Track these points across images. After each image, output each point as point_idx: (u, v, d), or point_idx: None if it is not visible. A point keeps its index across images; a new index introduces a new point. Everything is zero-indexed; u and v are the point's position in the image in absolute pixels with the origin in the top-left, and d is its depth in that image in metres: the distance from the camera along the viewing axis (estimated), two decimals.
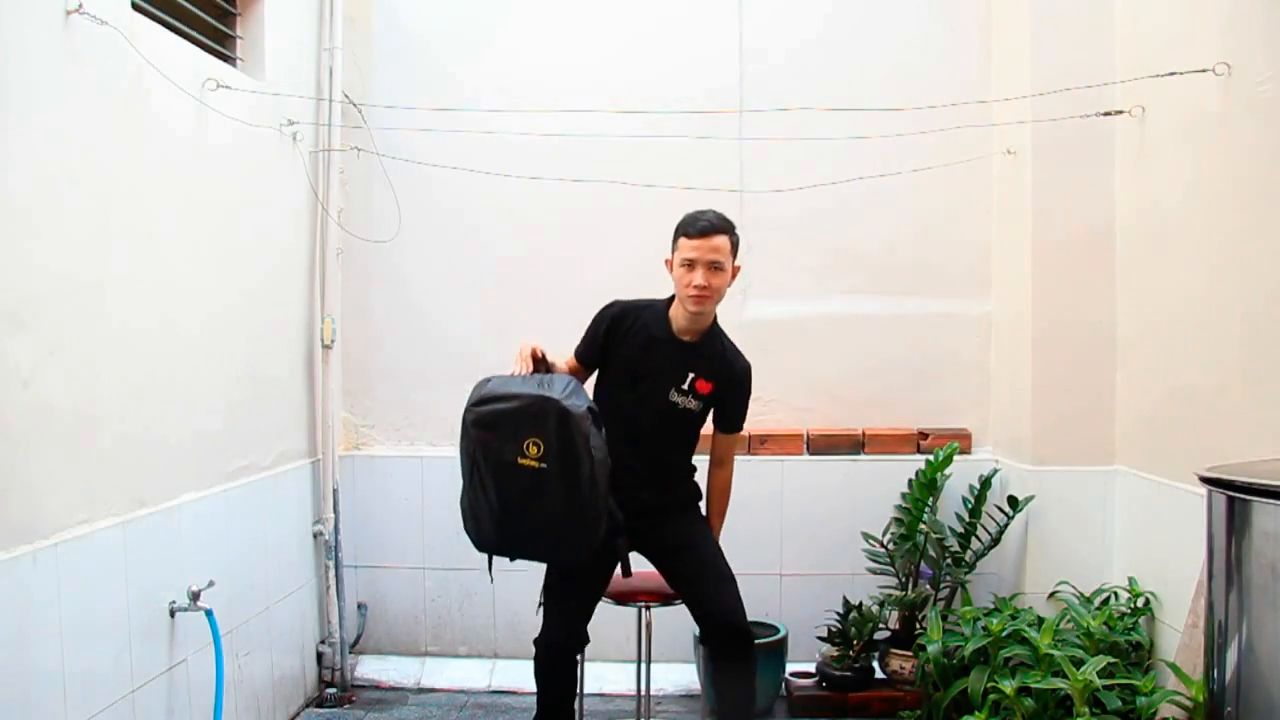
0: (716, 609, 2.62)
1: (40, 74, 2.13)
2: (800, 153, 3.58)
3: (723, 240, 2.59)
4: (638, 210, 3.62)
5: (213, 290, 2.87)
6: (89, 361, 2.29)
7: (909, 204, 3.66)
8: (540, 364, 2.54)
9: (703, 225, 2.59)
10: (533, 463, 2.35)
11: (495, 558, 2.60)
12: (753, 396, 3.63)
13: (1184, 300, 2.83)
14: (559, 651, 2.67)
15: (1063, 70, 3.17)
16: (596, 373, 2.76)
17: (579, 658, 2.69)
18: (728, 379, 2.72)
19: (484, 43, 3.77)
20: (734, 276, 2.66)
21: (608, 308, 2.74)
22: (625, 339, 2.69)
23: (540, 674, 2.69)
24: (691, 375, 2.68)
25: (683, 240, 2.61)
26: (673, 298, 2.71)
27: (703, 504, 2.84)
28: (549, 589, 2.71)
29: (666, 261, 2.67)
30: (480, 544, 2.53)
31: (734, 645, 2.63)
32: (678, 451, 2.78)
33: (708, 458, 2.86)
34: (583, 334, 2.76)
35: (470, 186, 3.67)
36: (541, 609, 2.69)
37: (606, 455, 2.42)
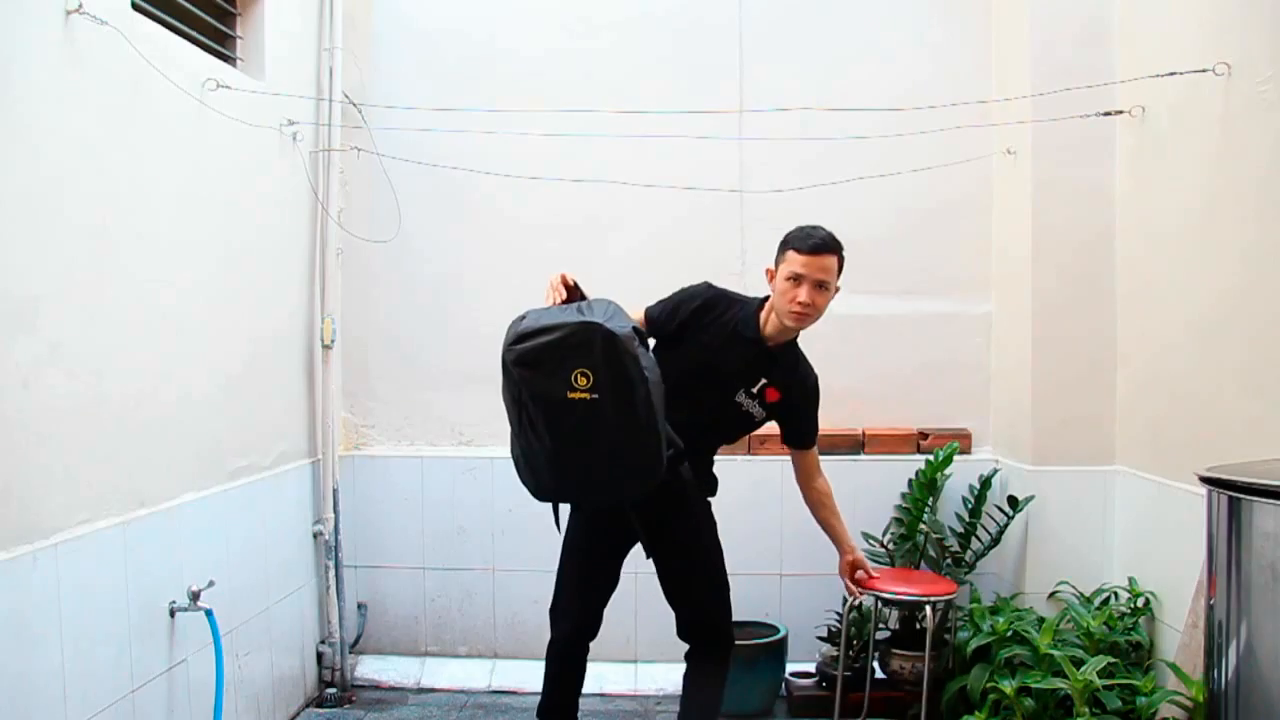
0: (705, 617, 2.70)
1: (40, 74, 2.13)
2: (800, 153, 3.58)
3: (832, 260, 2.53)
4: (638, 210, 3.62)
5: (212, 290, 2.87)
6: (89, 361, 2.29)
7: (909, 204, 3.66)
8: (574, 292, 2.45)
9: (815, 242, 2.51)
10: (584, 394, 2.21)
11: (557, 507, 2.50)
12: None
13: (1184, 300, 2.83)
14: (565, 643, 2.70)
15: (1063, 70, 3.17)
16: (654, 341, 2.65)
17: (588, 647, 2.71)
18: (799, 393, 2.68)
19: (484, 42, 3.77)
20: (834, 295, 2.60)
21: (703, 288, 2.65)
22: (709, 326, 2.60)
23: (548, 661, 2.74)
24: (764, 381, 2.62)
25: (791, 254, 2.52)
26: (764, 300, 2.65)
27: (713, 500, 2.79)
28: (563, 575, 2.69)
29: (768, 271, 2.61)
30: (538, 492, 2.40)
31: (714, 646, 2.70)
32: (715, 449, 2.75)
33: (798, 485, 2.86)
34: (664, 299, 2.66)
35: (470, 186, 3.68)
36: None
37: (659, 375, 2.32)
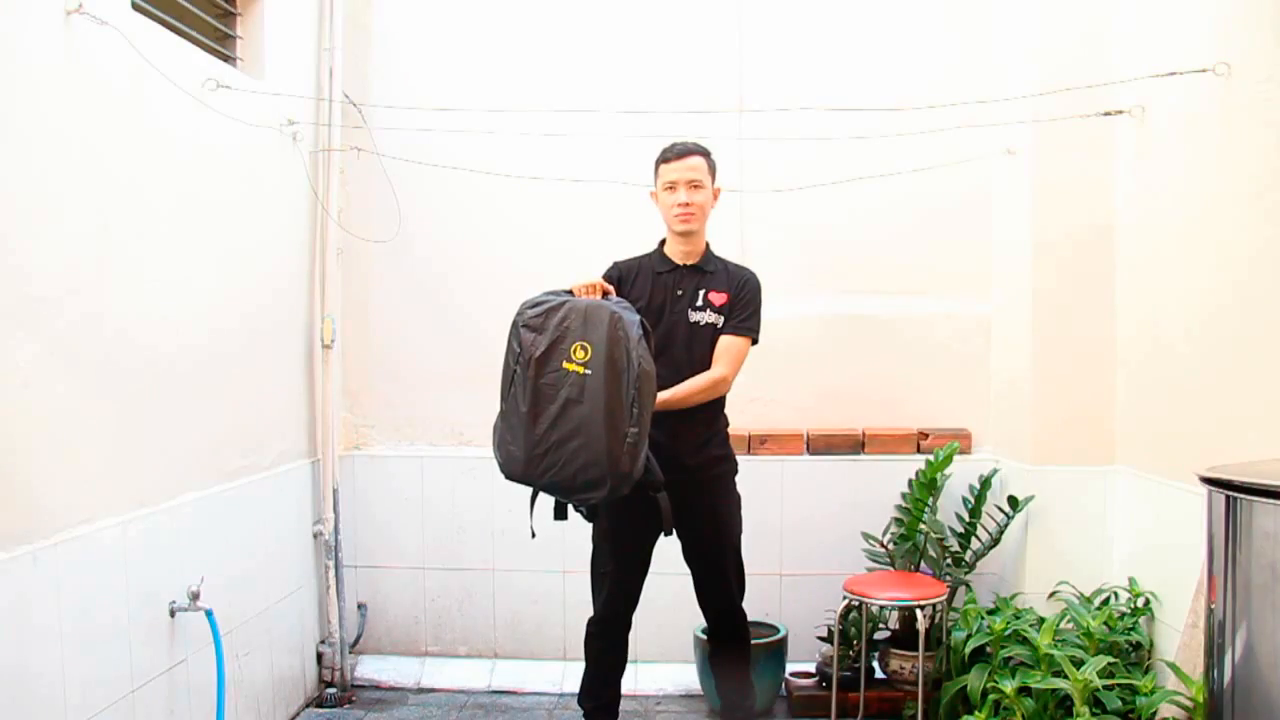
0: (735, 612, 2.85)
1: (40, 74, 2.13)
2: (800, 153, 3.58)
3: (698, 160, 2.73)
4: (638, 210, 3.62)
5: (213, 289, 2.87)
6: (89, 361, 2.29)
7: (909, 204, 3.66)
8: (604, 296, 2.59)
9: (678, 149, 2.74)
10: (578, 367, 2.36)
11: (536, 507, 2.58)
12: (752, 397, 3.67)
13: (1184, 300, 2.83)
14: (597, 627, 2.81)
15: (1063, 70, 3.17)
16: None
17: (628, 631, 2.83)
18: (738, 286, 2.79)
19: (484, 42, 3.77)
20: (715, 198, 2.79)
21: (608, 270, 2.82)
22: (633, 287, 2.77)
23: (585, 647, 2.85)
24: (703, 291, 2.76)
25: (662, 167, 2.75)
26: (664, 241, 2.84)
27: (738, 478, 2.87)
28: (593, 562, 2.80)
29: (652, 194, 2.81)
30: (507, 464, 2.45)
31: (730, 629, 2.86)
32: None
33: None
34: None
35: (470, 186, 3.68)
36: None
37: (654, 370, 2.43)
